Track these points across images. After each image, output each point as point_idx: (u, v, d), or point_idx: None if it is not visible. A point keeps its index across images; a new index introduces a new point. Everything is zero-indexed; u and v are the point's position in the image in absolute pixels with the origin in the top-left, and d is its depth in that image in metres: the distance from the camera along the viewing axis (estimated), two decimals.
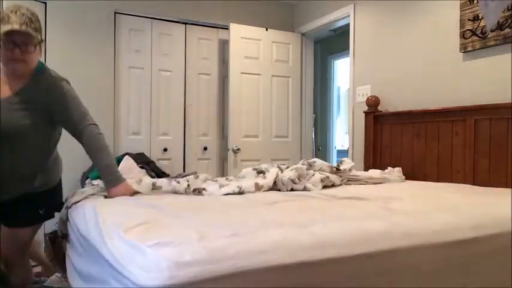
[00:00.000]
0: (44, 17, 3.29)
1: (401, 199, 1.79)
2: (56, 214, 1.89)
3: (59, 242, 1.86)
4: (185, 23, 3.97)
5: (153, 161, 3.68)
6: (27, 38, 1.66)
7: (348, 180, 2.47)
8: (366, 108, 3.26)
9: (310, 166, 2.42)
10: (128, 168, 3.36)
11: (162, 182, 2.03)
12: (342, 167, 2.52)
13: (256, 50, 4.07)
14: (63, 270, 1.81)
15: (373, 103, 3.18)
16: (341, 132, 6.00)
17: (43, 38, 1.86)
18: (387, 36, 3.24)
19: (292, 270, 1.03)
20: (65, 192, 2.18)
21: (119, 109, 3.69)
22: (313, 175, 2.25)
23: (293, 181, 2.11)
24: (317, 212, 1.46)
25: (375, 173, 2.68)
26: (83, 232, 1.45)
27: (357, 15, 3.56)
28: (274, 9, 4.38)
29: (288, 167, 2.32)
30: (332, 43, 5.34)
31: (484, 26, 2.47)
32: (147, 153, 3.74)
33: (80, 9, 3.47)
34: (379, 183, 2.52)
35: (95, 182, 3.15)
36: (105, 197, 1.78)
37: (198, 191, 1.93)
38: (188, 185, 1.97)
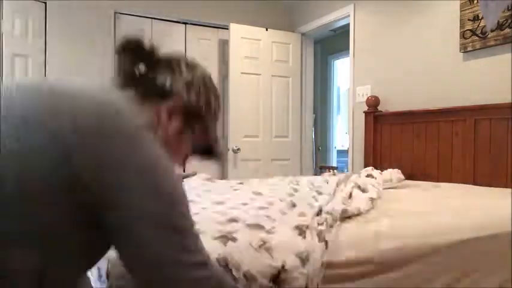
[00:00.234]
0: (44, 17, 3.29)
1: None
2: None
3: None
4: (185, 23, 3.97)
5: None
6: None
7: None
8: (366, 108, 3.26)
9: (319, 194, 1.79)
10: None
11: None
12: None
13: (256, 50, 4.06)
14: None
15: (373, 103, 3.18)
16: (341, 132, 6.01)
17: None
18: (387, 36, 3.24)
19: None
20: None
21: None
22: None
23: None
24: None
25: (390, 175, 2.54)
26: None
27: (357, 15, 3.56)
28: (274, 9, 4.38)
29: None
30: (332, 43, 5.34)
31: (484, 26, 2.47)
32: None
33: (80, 9, 3.47)
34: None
35: None
36: None
37: None
38: None
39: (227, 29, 3.96)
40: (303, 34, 4.33)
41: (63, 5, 3.39)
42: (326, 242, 1.10)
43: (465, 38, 2.59)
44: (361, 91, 3.48)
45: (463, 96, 2.62)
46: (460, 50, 2.63)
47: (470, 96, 2.57)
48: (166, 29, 3.87)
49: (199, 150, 0.92)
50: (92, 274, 1.01)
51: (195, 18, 3.98)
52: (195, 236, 0.73)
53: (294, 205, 1.45)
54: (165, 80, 0.83)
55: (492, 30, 2.43)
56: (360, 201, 1.48)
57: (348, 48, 3.69)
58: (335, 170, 3.92)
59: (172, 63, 0.86)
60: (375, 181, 1.98)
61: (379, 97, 3.19)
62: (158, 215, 0.67)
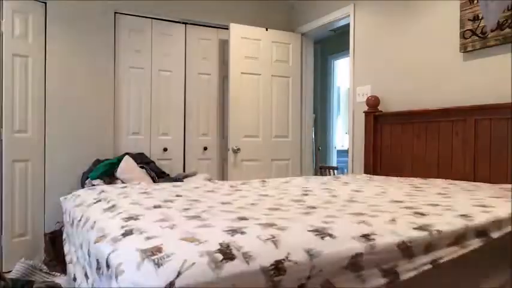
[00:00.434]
0: (44, 17, 3.29)
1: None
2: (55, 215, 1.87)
3: (59, 241, 1.86)
4: (185, 23, 3.97)
5: (153, 161, 3.68)
6: None
7: None
8: (366, 108, 3.26)
9: None
10: (128, 168, 3.37)
11: None
12: None
13: (256, 50, 4.07)
14: (63, 270, 1.81)
15: (373, 103, 3.18)
16: (341, 132, 6.01)
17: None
18: (387, 36, 3.24)
19: None
20: (65, 192, 2.18)
21: (119, 109, 3.69)
22: None
23: None
24: None
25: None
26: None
27: (357, 15, 3.56)
28: (274, 9, 4.38)
29: None
30: (332, 43, 5.34)
31: (484, 26, 2.47)
32: (147, 153, 3.74)
33: (79, 9, 3.47)
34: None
35: (95, 182, 3.17)
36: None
37: None
38: None
39: (227, 29, 3.96)
40: (303, 34, 4.33)
41: (63, 5, 3.39)
42: None
43: (465, 38, 2.59)
44: (361, 91, 3.48)
45: (463, 96, 2.62)
46: (460, 50, 2.63)
47: (470, 96, 2.58)
48: (166, 29, 3.88)
49: None
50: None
51: (195, 18, 3.98)
52: None
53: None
54: None
55: (492, 30, 2.43)
56: None
57: (348, 48, 3.69)
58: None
59: None
60: None
61: (379, 97, 3.19)
62: None
